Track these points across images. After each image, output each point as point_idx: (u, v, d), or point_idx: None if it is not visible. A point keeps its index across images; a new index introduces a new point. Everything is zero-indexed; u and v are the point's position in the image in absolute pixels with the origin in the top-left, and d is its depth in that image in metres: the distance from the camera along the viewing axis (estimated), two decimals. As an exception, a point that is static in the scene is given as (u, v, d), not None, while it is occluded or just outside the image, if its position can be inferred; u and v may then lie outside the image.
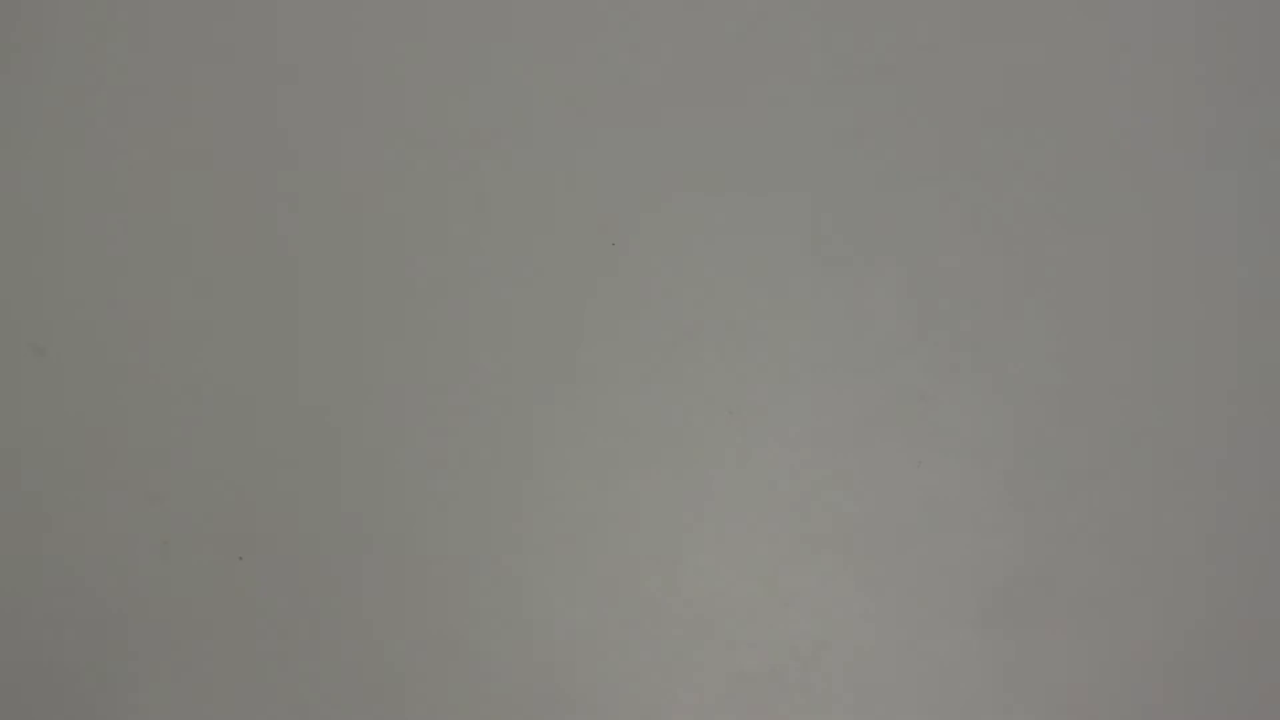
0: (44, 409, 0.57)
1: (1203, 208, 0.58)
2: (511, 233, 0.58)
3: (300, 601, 0.55)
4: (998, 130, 0.58)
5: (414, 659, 0.55)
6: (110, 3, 0.61)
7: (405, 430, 0.57)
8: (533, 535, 0.56)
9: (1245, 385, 0.57)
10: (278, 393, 0.58)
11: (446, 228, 0.58)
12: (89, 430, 0.57)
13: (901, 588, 0.55)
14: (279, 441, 0.57)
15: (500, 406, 0.57)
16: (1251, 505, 0.57)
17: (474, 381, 0.57)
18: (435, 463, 0.57)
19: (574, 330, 0.57)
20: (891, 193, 0.58)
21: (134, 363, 0.58)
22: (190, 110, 0.60)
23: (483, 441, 0.57)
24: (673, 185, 0.58)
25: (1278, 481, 0.56)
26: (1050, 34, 0.59)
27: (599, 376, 0.57)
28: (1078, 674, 0.55)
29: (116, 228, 0.59)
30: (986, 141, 0.59)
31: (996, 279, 0.58)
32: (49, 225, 0.59)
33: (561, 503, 0.56)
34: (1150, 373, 0.58)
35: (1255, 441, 0.57)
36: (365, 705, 0.56)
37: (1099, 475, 0.56)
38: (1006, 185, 0.58)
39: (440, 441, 0.57)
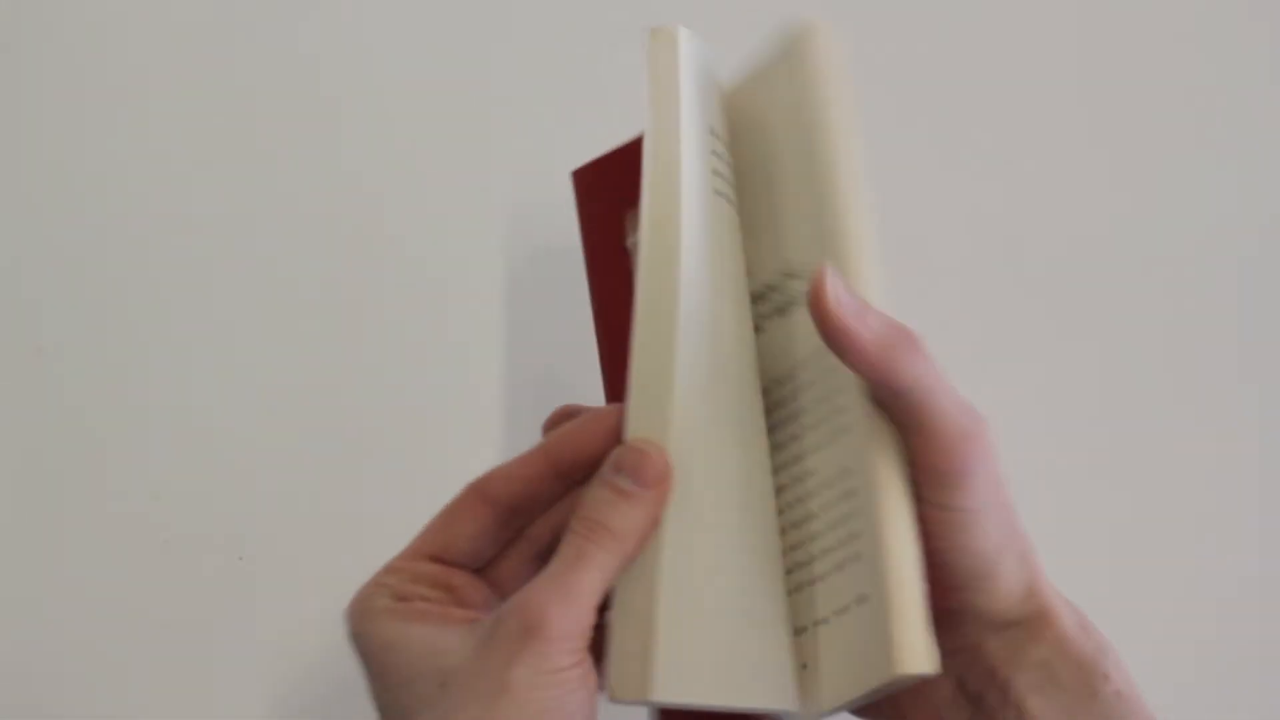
0: (44, 409, 0.57)
1: None
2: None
3: (300, 601, 0.55)
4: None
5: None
6: None
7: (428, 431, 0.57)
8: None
9: None
10: (275, 392, 0.58)
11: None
12: (89, 430, 0.57)
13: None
14: (279, 440, 0.57)
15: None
16: None
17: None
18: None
19: None
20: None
21: (134, 363, 0.58)
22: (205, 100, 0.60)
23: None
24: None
25: None
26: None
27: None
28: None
29: (118, 227, 0.59)
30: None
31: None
32: (50, 225, 0.59)
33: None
34: None
35: None
36: (365, 704, 0.56)
37: None
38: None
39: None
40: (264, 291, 0.59)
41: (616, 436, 0.41)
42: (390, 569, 0.42)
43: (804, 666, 0.41)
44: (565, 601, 0.38)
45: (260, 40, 0.61)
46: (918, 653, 0.37)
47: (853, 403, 0.40)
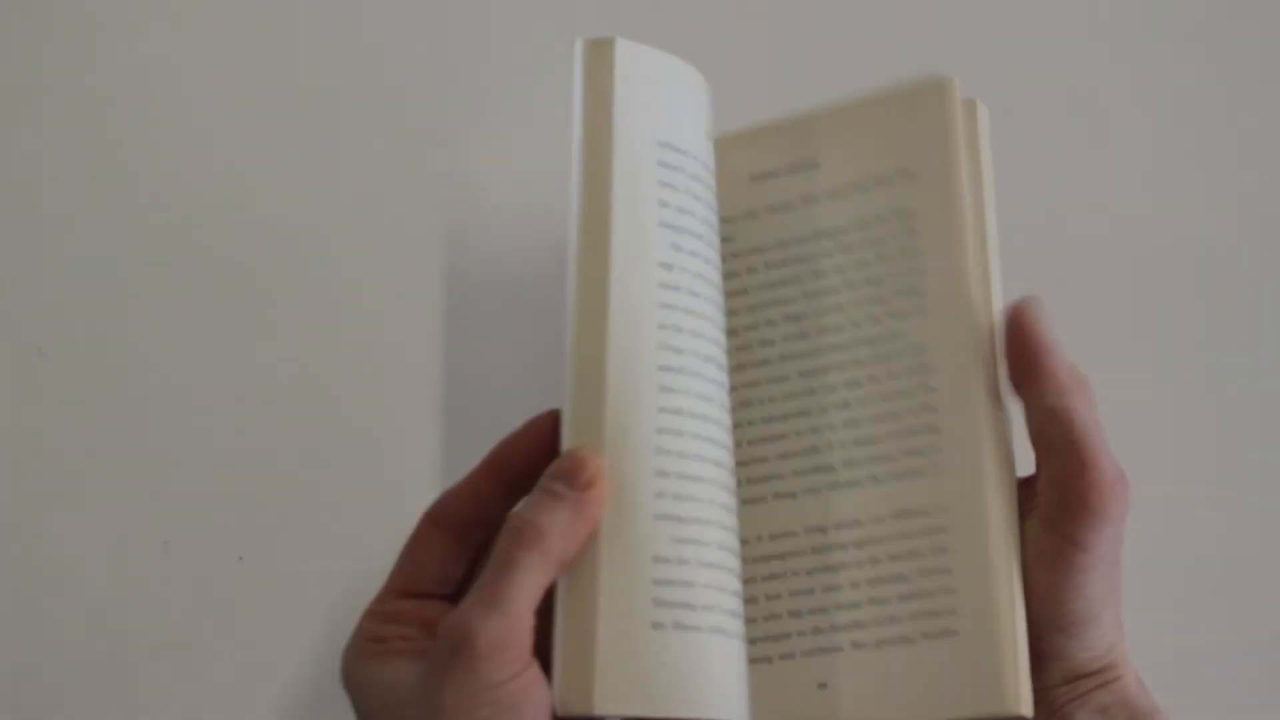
0: (44, 409, 0.57)
1: None
2: None
3: (299, 602, 0.55)
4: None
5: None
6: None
7: (411, 427, 0.57)
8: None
9: None
10: (275, 392, 0.58)
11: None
12: (89, 430, 0.57)
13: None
14: (279, 441, 0.57)
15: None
16: None
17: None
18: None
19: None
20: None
21: (134, 363, 0.58)
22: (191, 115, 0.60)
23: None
24: None
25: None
26: None
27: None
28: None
29: (117, 228, 0.59)
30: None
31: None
32: (50, 225, 0.59)
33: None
34: None
35: None
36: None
37: None
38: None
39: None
40: (263, 292, 0.59)
41: (555, 441, 0.41)
42: (367, 612, 0.42)
43: (822, 686, 0.42)
44: (492, 614, 0.37)
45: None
46: (1022, 695, 0.40)
47: (950, 444, 0.43)
